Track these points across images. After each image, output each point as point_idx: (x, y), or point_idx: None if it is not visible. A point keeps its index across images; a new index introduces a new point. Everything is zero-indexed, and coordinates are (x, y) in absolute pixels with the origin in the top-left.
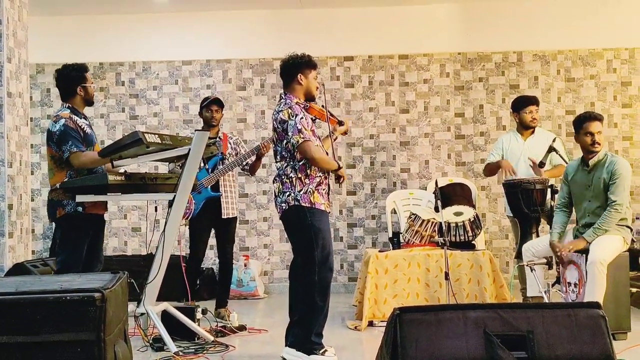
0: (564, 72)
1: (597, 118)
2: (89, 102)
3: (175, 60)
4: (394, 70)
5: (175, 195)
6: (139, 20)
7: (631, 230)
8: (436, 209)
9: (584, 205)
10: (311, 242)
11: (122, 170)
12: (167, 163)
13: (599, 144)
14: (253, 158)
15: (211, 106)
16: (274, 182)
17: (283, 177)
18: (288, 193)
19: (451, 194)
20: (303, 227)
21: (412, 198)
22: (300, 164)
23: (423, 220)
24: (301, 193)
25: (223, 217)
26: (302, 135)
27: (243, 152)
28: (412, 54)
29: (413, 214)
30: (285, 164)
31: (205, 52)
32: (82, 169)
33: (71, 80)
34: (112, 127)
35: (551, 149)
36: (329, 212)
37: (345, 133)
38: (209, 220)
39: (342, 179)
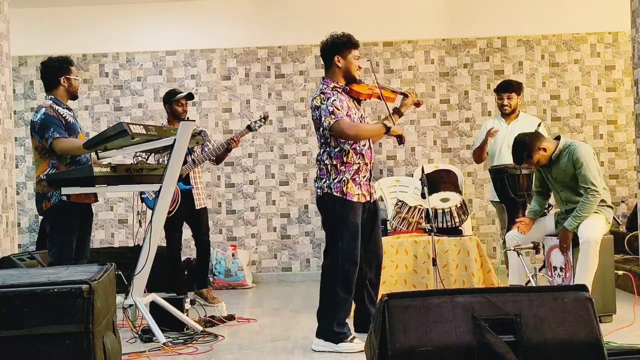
0: (548, 56)
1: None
2: (73, 95)
3: (159, 50)
4: (379, 57)
5: (161, 186)
6: (122, 10)
7: (612, 209)
8: (423, 196)
9: (560, 195)
10: (336, 233)
11: (107, 161)
12: (153, 154)
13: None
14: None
15: (182, 100)
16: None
17: (320, 163)
18: (324, 180)
19: (437, 181)
20: (332, 216)
21: (399, 185)
22: (336, 150)
23: (410, 207)
24: (335, 182)
25: (197, 208)
26: (333, 116)
27: (212, 145)
28: (397, 41)
29: (400, 201)
30: (323, 150)
31: (189, 42)
32: (65, 155)
33: (55, 71)
34: (97, 119)
35: None
36: (367, 202)
37: (418, 105)
38: (182, 213)
39: (402, 139)
